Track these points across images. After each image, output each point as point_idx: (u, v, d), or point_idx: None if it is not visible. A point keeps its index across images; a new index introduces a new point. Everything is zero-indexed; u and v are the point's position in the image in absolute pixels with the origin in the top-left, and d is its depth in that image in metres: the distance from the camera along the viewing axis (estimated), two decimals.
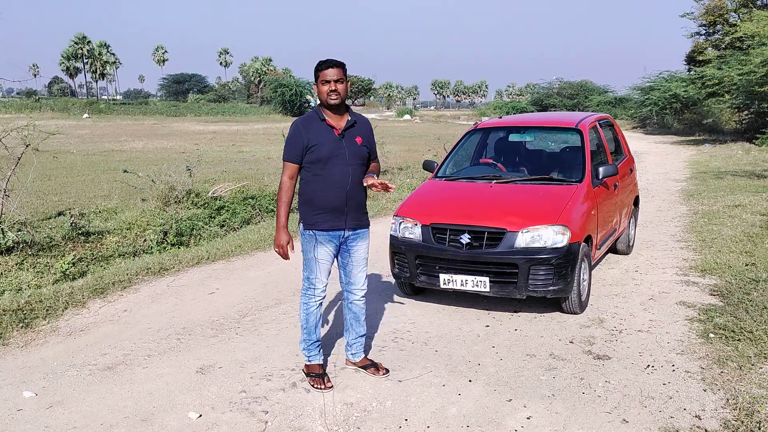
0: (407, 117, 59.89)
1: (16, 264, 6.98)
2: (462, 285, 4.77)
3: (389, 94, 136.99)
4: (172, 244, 8.07)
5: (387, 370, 3.90)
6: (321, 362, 3.85)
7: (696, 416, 3.29)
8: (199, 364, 4.10)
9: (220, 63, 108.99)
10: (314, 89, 3.63)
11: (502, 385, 3.72)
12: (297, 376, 3.89)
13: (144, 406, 3.53)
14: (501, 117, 7.21)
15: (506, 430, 3.22)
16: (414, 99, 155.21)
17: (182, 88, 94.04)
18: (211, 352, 4.29)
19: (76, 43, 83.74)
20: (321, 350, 3.87)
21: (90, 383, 3.85)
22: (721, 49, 28.93)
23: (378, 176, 3.74)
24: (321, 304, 3.79)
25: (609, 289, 5.57)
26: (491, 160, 6.27)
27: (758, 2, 28.52)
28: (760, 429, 3.11)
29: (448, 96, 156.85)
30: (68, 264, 6.66)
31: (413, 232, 5.04)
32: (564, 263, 4.62)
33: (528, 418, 3.32)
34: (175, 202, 9.99)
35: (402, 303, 5.30)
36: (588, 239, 5.06)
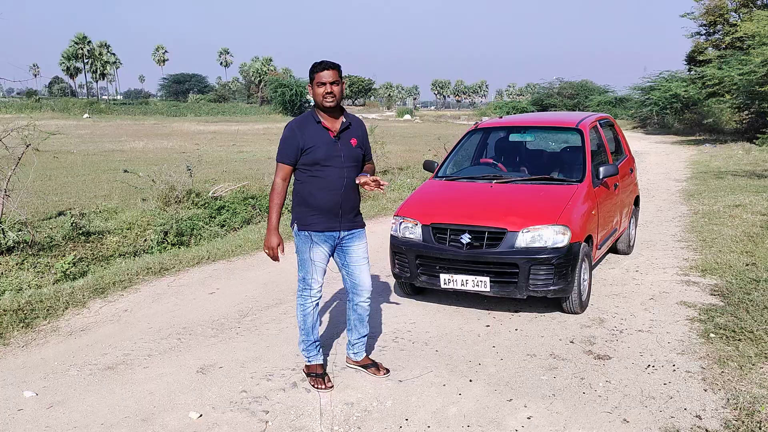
0: (407, 117, 59.88)
1: (17, 264, 6.98)
2: (462, 285, 4.77)
3: (389, 94, 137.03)
4: (173, 244, 8.08)
5: (387, 370, 3.90)
6: (321, 362, 3.85)
7: (696, 416, 3.29)
8: (200, 363, 4.10)
9: (221, 63, 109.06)
10: (309, 91, 3.61)
11: (502, 384, 3.72)
12: (297, 375, 3.89)
13: (144, 406, 3.53)
14: (501, 117, 7.21)
15: (507, 430, 3.22)
16: (414, 99, 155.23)
17: (182, 88, 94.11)
18: (211, 352, 4.29)
19: (76, 43, 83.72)
20: (320, 350, 3.87)
21: (90, 383, 3.85)
22: (721, 49, 28.92)
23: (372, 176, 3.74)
24: (317, 304, 3.78)
25: (609, 288, 5.57)
26: (492, 160, 6.27)
27: (758, 2, 28.50)
28: (760, 429, 3.10)
29: (448, 96, 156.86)
30: (69, 264, 6.66)
31: (414, 232, 5.04)
32: (564, 263, 4.62)
33: (528, 418, 3.32)
34: (176, 202, 10.00)
35: (399, 304, 5.30)
36: (588, 239, 5.06)
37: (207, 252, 7.04)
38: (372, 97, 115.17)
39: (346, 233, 3.70)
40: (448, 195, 5.54)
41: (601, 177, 5.39)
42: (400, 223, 5.15)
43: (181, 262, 6.64)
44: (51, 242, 7.74)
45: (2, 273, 6.70)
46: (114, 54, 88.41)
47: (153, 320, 4.99)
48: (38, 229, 8.21)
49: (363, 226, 3.81)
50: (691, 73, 31.81)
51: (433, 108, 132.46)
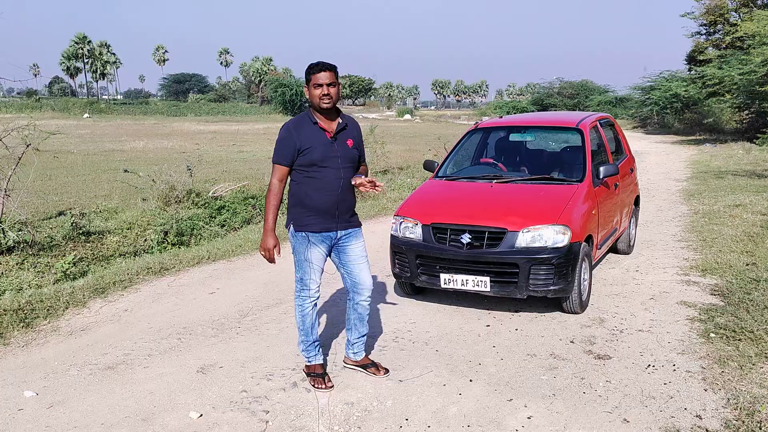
0: (408, 117, 59.86)
1: (17, 264, 6.99)
2: (463, 285, 4.77)
3: (390, 94, 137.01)
4: (173, 244, 8.08)
5: (387, 370, 3.90)
6: (321, 362, 3.85)
7: (697, 416, 3.29)
8: (200, 363, 4.10)
9: (221, 63, 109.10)
10: (305, 92, 3.60)
11: (502, 384, 3.72)
12: (298, 375, 3.89)
13: (145, 406, 3.53)
14: (501, 117, 7.21)
15: (507, 430, 3.22)
16: (414, 99, 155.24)
17: (183, 88, 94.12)
18: (211, 352, 4.29)
19: (76, 42, 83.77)
20: (320, 350, 3.87)
21: (91, 383, 3.85)
22: (721, 49, 28.93)
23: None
24: (315, 304, 3.78)
25: (610, 288, 5.57)
26: (492, 160, 6.27)
27: (759, 2, 28.49)
28: (761, 429, 3.10)
29: (448, 96, 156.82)
30: (69, 264, 6.66)
31: (414, 231, 5.04)
32: (565, 263, 4.62)
33: (529, 418, 3.32)
34: (176, 201, 10.00)
35: (399, 303, 5.30)
36: (589, 239, 5.06)
37: (207, 252, 7.04)
38: (372, 97, 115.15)
39: (343, 233, 3.70)
40: (448, 195, 5.54)
41: (601, 177, 5.39)
42: (401, 223, 5.15)
43: (181, 261, 6.64)
44: (51, 242, 7.74)
45: (2, 273, 6.70)
46: (114, 54, 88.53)
47: (153, 320, 4.99)
48: (38, 228, 8.21)
49: (359, 225, 3.81)
50: (692, 72, 31.81)
51: (433, 108, 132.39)
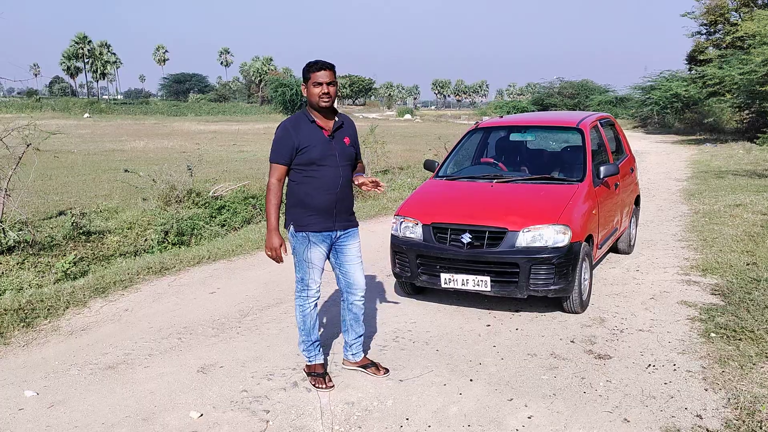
0: (408, 116, 59.84)
1: (18, 263, 6.99)
2: (463, 284, 4.77)
3: (390, 94, 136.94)
4: (173, 244, 8.08)
5: (387, 370, 3.90)
6: (322, 362, 3.85)
7: (697, 416, 3.29)
8: (201, 363, 4.10)
9: (221, 63, 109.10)
10: (303, 90, 3.59)
11: (503, 384, 3.72)
12: (298, 375, 3.89)
13: (145, 406, 3.53)
14: (502, 116, 7.20)
15: (507, 430, 3.22)
16: (415, 98, 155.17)
17: (183, 88, 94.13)
18: (212, 352, 4.30)
19: (76, 42, 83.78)
20: (321, 350, 3.87)
21: (91, 382, 3.85)
22: (722, 49, 28.92)
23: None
24: (316, 304, 3.79)
25: (610, 288, 5.57)
26: (492, 160, 6.27)
27: (759, 1, 28.48)
28: (761, 429, 3.10)
29: (448, 95, 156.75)
30: (69, 263, 6.67)
31: (414, 231, 5.04)
32: (565, 263, 4.62)
33: (529, 418, 3.32)
34: (176, 201, 10.01)
35: (399, 303, 5.30)
36: (589, 239, 5.06)
37: (207, 251, 7.04)
38: (372, 97, 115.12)
39: (341, 232, 3.70)
40: (448, 194, 5.53)
41: (601, 176, 5.39)
42: (401, 223, 5.15)
43: (181, 261, 6.64)
44: (52, 242, 7.74)
45: (3, 272, 6.71)
46: (114, 54, 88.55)
47: (154, 320, 4.99)
48: (39, 228, 8.21)
49: (357, 225, 3.82)
50: (692, 72, 31.82)
51: (433, 108, 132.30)
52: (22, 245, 7.35)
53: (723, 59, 25.02)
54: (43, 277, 6.60)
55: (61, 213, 9.51)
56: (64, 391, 3.73)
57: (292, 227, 3.64)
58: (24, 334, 4.65)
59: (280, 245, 3.56)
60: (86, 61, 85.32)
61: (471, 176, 5.82)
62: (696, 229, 7.83)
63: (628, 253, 6.75)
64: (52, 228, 8.45)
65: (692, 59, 33.46)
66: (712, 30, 32.24)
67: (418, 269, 4.97)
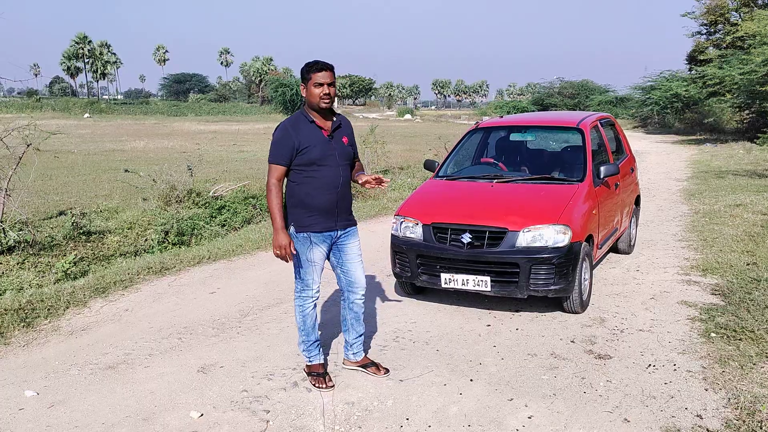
0: (408, 116, 59.83)
1: (18, 263, 6.99)
2: (463, 284, 4.77)
3: (390, 94, 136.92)
4: (173, 244, 8.08)
5: (387, 370, 3.90)
6: (322, 362, 3.85)
7: (697, 416, 3.29)
8: (201, 363, 4.10)
9: (221, 63, 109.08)
10: (302, 91, 3.58)
11: (503, 384, 3.72)
12: (298, 375, 3.89)
13: (145, 406, 3.53)
14: (502, 116, 7.20)
15: (508, 430, 3.22)
16: (415, 98, 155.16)
17: (183, 88, 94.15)
18: (212, 352, 4.30)
19: (77, 42, 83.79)
20: (321, 349, 3.87)
21: (91, 382, 3.85)
22: (722, 49, 28.93)
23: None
24: (316, 304, 3.79)
25: (610, 288, 5.57)
26: (492, 160, 6.27)
27: (759, 1, 28.48)
28: (761, 428, 3.10)
29: (449, 95, 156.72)
30: (69, 263, 6.67)
31: (414, 231, 5.04)
32: (565, 263, 4.62)
33: (529, 418, 3.32)
34: (176, 201, 10.01)
35: (400, 302, 5.30)
36: (589, 239, 5.06)
37: (208, 251, 7.04)
38: (372, 97, 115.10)
39: (342, 232, 3.71)
40: (448, 194, 5.53)
41: (601, 176, 5.39)
42: (401, 223, 5.15)
43: (181, 261, 6.64)
44: (52, 242, 7.74)
45: (3, 272, 6.71)
46: (114, 54, 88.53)
47: (154, 320, 4.99)
48: (39, 228, 8.21)
49: (356, 223, 3.84)
50: (692, 72, 31.83)
51: (433, 107, 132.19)
52: (23, 245, 7.35)
53: (723, 59, 25.02)
54: (43, 277, 6.60)
55: (61, 213, 9.51)
56: (64, 391, 3.73)
57: (292, 228, 3.63)
58: (24, 334, 4.66)
59: (289, 243, 3.52)
60: (86, 61, 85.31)
61: (471, 176, 5.82)
62: (696, 229, 7.83)
63: (629, 253, 6.75)
64: (52, 228, 8.45)
65: (692, 59, 33.47)
66: (712, 30, 32.25)
67: (419, 269, 4.97)
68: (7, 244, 7.24)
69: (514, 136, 6.38)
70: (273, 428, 3.28)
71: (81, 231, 8.13)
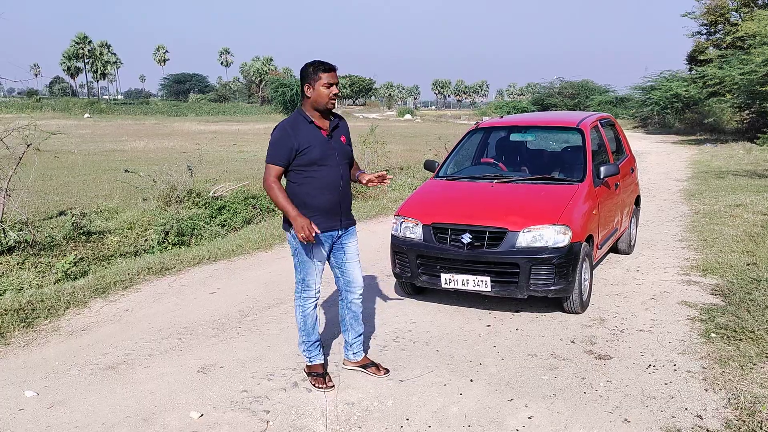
0: (408, 117, 59.85)
1: (18, 263, 6.99)
2: (463, 285, 4.77)
3: (390, 94, 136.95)
4: (174, 244, 8.08)
5: (387, 370, 3.90)
6: (322, 362, 3.85)
7: (697, 416, 3.29)
8: (201, 363, 4.10)
9: (221, 63, 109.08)
10: (306, 90, 3.53)
11: (503, 384, 3.72)
12: (298, 375, 3.89)
13: (145, 406, 3.53)
14: (502, 117, 7.20)
15: (508, 430, 3.22)
16: (415, 99, 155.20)
17: (183, 88, 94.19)
18: (212, 352, 4.30)
19: (77, 42, 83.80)
20: (321, 350, 3.87)
21: (91, 383, 3.85)
22: (722, 49, 28.92)
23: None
24: (316, 305, 3.79)
25: (610, 288, 5.57)
26: (492, 160, 6.27)
27: (759, 1, 28.48)
28: (761, 429, 3.10)
29: (449, 96, 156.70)
30: (69, 263, 6.67)
31: (414, 231, 5.04)
32: (565, 263, 4.62)
33: (529, 418, 3.32)
34: (177, 201, 10.01)
35: (401, 302, 5.30)
36: (589, 239, 5.06)
37: (208, 252, 7.04)
38: (373, 97, 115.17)
39: (343, 231, 3.71)
40: (448, 195, 5.53)
41: (602, 177, 5.39)
42: (401, 223, 5.15)
43: (182, 261, 6.64)
44: (52, 242, 7.74)
45: (3, 273, 6.71)
46: (115, 54, 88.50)
47: (154, 320, 4.99)
48: (39, 228, 8.21)
49: (355, 223, 3.86)
50: (692, 72, 31.82)
51: (433, 108, 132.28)
52: (23, 245, 7.35)
53: (723, 59, 25.02)
54: (43, 277, 6.60)
55: (61, 213, 9.51)
56: (64, 392, 3.73)
57: (293, 228, 3.63)
58: (24, 335, 4.66)
59: (309, 222, 3.42)
60: (86, 61, 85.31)
61: (471, 176, 5.81)
62: (696, 229, 7.83)
63: (629, 254, 6.75)
64: (52, 228, 8.44)
65: (692, 59, 33.47)
66: (712, 30, 32.25)
67: (419, 269, 4.97)
68: (7, 244, 7.24)
69: (514, 137, 6.38)
70: (273, 428, 3.28)
71: (81, 231, 8.13)
